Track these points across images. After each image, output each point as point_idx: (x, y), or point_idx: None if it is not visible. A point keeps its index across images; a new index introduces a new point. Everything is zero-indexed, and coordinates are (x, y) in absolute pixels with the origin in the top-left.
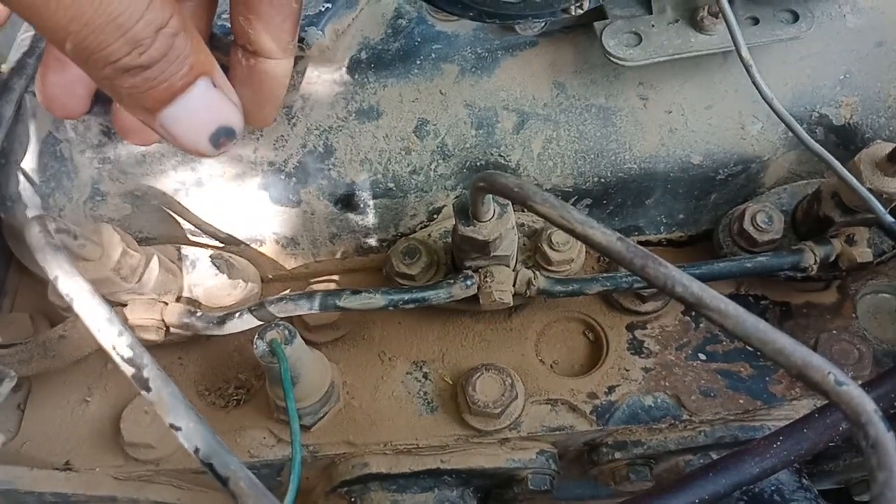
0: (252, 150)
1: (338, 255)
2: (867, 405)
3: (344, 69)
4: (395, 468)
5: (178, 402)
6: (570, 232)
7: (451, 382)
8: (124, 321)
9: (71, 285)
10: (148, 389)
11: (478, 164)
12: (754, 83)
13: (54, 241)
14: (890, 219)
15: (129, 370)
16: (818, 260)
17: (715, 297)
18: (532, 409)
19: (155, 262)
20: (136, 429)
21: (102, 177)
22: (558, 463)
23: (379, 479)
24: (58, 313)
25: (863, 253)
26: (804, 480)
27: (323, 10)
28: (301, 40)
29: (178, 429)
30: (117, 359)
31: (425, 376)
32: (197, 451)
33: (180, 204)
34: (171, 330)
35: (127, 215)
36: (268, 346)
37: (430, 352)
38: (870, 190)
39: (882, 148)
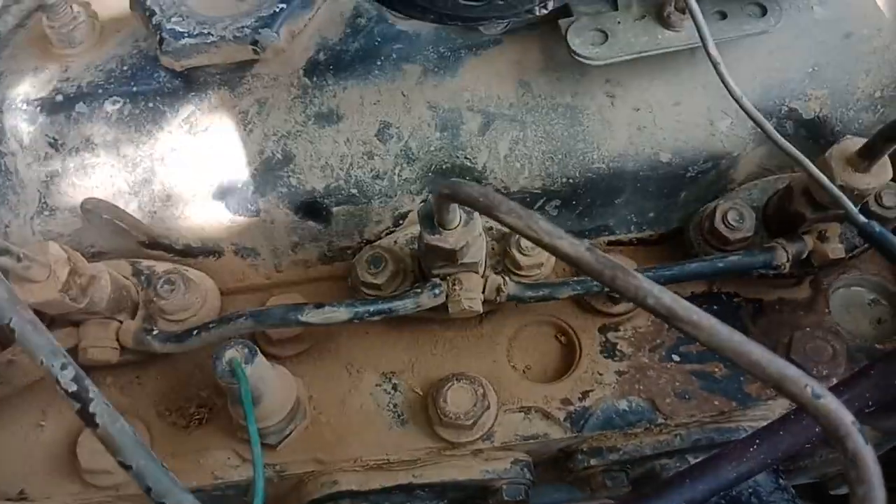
0: (206, 158)
1: (300, 265)
2: (845, 418)
3: (301, 71)
4: (366, 485)
5: (126, 438)
6: (538, 242)
7: (421, 393)
8: (72, 348)
9: (12, 316)
10: (95, 426)
11: (443, 167)
12: (723, 82)
13: None
14: (862, 218)
15: (74, 405)
16: (790, 258)
17: (687, 309)
18: (505, 418)
19: (106, 279)
20: (94, 455)
21: (50, 191)
22: (533, 472)
23: (349, 496)
24: (8, 336)
25: (835, 249)
26: (781, 481)
27: (277, 10)
28: (255, 42)
29: (127, 468)
30: (61, 393)
31: (395, 388)
32: (149, 490)
33: (133, 216)
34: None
35: (77, 230)
36: (227, 366)
37: (399, 362)
38: (841, 187)
39: (852, 144)
